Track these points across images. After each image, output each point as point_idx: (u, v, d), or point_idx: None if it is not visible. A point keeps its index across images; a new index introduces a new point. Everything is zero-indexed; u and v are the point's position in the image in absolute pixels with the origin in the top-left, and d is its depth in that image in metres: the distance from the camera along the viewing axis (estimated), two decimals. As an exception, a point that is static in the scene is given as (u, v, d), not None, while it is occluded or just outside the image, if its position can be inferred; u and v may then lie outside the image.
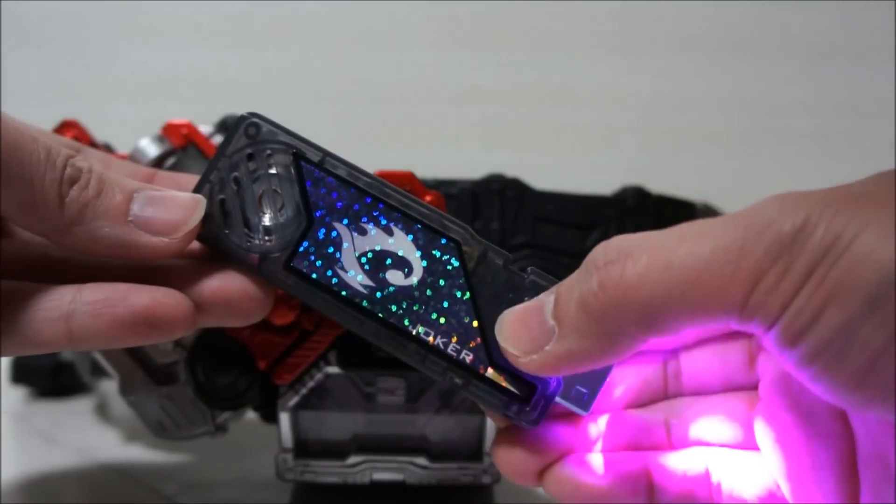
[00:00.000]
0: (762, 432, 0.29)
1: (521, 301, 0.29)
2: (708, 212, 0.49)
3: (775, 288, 0.23)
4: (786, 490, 0.28)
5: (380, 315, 0.29)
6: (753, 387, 0.31)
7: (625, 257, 0.25)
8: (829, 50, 0.81)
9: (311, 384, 0.38)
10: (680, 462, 0.29)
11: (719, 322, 0.25)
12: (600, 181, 0.48)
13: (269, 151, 0.30)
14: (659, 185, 0.47)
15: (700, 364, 0.31)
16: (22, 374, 0.61)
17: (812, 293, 0.23)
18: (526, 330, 0.27)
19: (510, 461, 0.29)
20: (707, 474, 0.29)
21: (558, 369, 0.27)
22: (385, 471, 0.39)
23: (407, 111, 0.81)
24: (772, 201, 0.24)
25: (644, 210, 0.44)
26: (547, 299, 0.27)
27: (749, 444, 0.30)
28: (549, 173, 0.50)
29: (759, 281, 0.23)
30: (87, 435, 0.54)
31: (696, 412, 0.31)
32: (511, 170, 0.44)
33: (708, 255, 0.24)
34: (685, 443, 0.30)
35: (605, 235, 0.43)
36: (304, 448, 0.39)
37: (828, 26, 0.81)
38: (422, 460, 0.39)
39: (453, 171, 0.43)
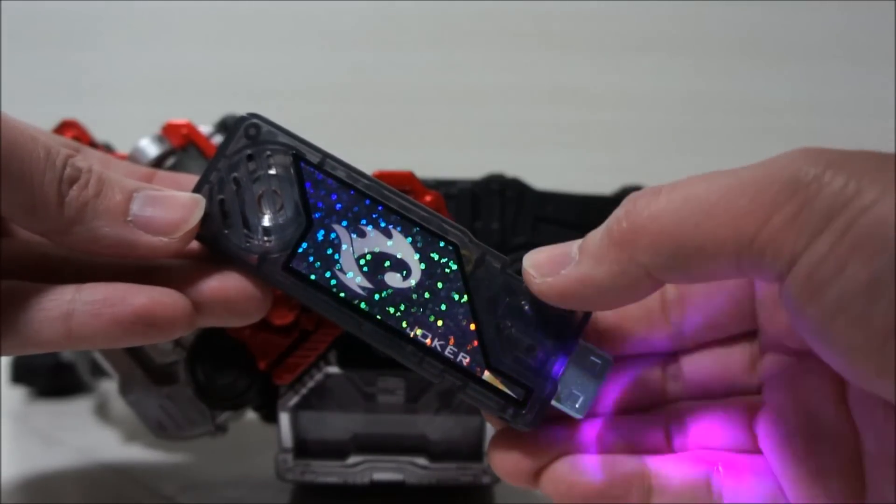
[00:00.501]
0: (765, 435, 0.29)
1: (519, 304, 0.29)
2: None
3: (790, 225, 0.23)
4: (790, 492, 0.28)
5: (378, 317, 0.29)
6: (755, 390, 0.30)
7: (654, 193, 0.26)
8: (829, 50, 0.81)
9: (311, 384, 0.38)
10: (679, 465, 0.29)
11: (730, 262, 0.24)
12: (600, 181, 0.48)
13: (268, 152, 0.30)
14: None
15: (701, 367, 0.31)
16: (22, 374, 0.61)
17: (833, 243, 0.22)
18: (550, 258, 0.28)
19: (506, 463, 0.29)
20: (707, 478, 0.29)
21: (568, 295, 0.27)
22: (385, 471, 0.39)
23: (407, 111, 0.81)
24: (794, 152, 0.24)
25: (644, 210, 0.44)
26: (579, 241, 0.28)
27: (750, 447, 0.30)
28: (549, 173, 0.50)
29: (773, 214, 0.23)
30: (87, 435, 0.54)
31: (697, 416, 0.30)
32: (511, 170, 0.44)
33: (724, 189, 0.24)
34: (686, 446, 0.30)
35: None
36: (304, 448, 0.39)
37: (828, 26, 0.81)
38: (422, 460, 0.39)
39: (453, 171, 0.43)
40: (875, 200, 0.22)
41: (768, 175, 0.24)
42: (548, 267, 0.28)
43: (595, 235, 0.27)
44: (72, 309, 0.27)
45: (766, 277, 0.24)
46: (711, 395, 0.31)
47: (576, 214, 0.43)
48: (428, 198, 0.37)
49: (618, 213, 0.26)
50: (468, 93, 0.81)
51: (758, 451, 0.29)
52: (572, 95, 0.82)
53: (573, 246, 0.28)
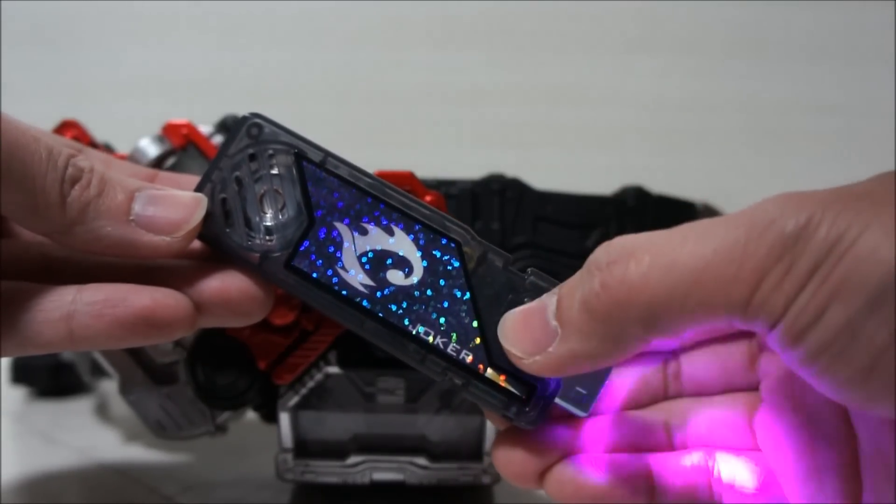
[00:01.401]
0: (764, 433, 0.29)
1: (521, 302, 0.29)
2: (708, 212, 0.49)
3: (778, 286, 0.23)
4: (788, 491, 0.28)
5: (380, 314, 0.29)
6: (754, 388, 0.31)
7: (627, 257, 0.25)
8: (829, 50, 0.81)
9: (311, 384, 0.38)
10: (681, 463, 0.29)
11: (723, 322, 0.25)
12: (600, 181, 0.48)
13: (270, 152, 0.30)
14: (659, 185, 0.47)
15: (700, 365, 0.31)
16: (22, 374, 0.61)
17: (815, 291, 0.23)
18: (528, 331, 0.27)
19: (510, 462, 0.29)
20: (708, 476, 0.29)
21: (561, 370, 0.27)
22: (385, 471, 0.39)
23: (407, 111, 0.81)
24: (773, 201, 0.24)
25: (644, 210, 0.44)
26: (549, 300, 0.27)
27: (750, 445, 0.30)
28: (549, 173, 0.50)
29: (763, 280, 0.23)
30: (87, 435, 0.54)
31: (697, 413, 0.31)
32: (511, 170, 0.44)
33: (710, 255, 0.24)
34: (686, 444, 0.30)
35: (605, 235, 0.43)
36: (304, 448, 0.39)
37: (828, 26, 0.81)
38: (422, 460, 0.39)
39: (453, 171, 0.43)
40: (853, 242, 0.23)
41: (753, 236, 0.24)
42: (530, 344, 0.27)
43: (571, 305, 0.26)
44: (73, 310, 0.27)
45: (757, 329, 0.25)
46: (711, 393, 0.31)
47: (576, 214, 0.43)
48: (428, 198, 0.37)
49: (591, 281, 0.26)
50: (468, 93, 0.81)
51: (757, 449, 0.29)
52: (572, 95, 0.82)
53: (548, 314, 0.27)
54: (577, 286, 0.26)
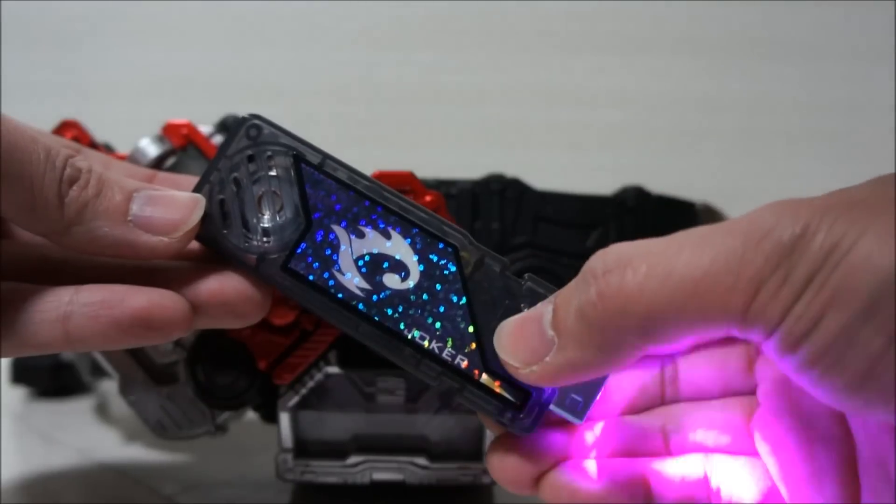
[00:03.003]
0: (761, 437, 0.29)
1: (518, 307, 0.29)
2: (708, 212, 0.49)
3: (776, 296, 0.23)
4: (786, 494, 0.28)
5: (375, 318, 0.29)
6: (752, 392, 0.30)
7: (623, 266, 0.25)
8: (829, 50, 0.81)
9: (311, 384, 0.38)
10: (678, 468, 0.29)
11: (720, 330, 0.24)
12: (600, 181, 0.48)
13: (269, 153, 0.30)
14: (659, 185, 0.47)
15: (698, 370, 0.31)
16: (22, 374, 0.61)
17: (812, 299, 0.23)
18: (524, 341, 0.27)
19: (504, 468, 0.29)
20: (706, 480, 0.29)
21: (558, 380, 0.27)
22: (385, 471, 0.39)
23: (407, 111, 0.81)
24: (770, 209, 0.24)
25: (644, 210, 0.44)
26: (545, 309, 0.27)
27: (748, 449, 0.30)
28: (549, 173, 0.50)
29: (760, 289, 0.23)
30: (87, 435, 0.54)
31: (694, 418, 0.30)
32: (511, 170, 0.44)
33: (707, 265, 0.24)
34: (683, 449, 0.30)
35: (605, 235, 0.43)
36: (304, 448, 0.39)
37: (828, 26, 0.81)
38: (422, 460, 0.39)
39: (453, 171, 0.43)
40: (849, 249, 0.23)
41: (750, 244, 0.24)
42: (527, 354, 0.27)
43: (567, 314, 0.26)
44: (70, 311, 0.27)
45: (752, 339, 0.25)
46: (708, 397, 0.31)
47: (576, 214, 0.43)
48: (428, 198, 0.37)
49: (587, 290, 0.25)
50: (468, 93, 0.81)
51: (755, 453, 0.29)
52: (572, 95, 0.82)
53: (544, 323, 0.27)
54: (573, 295, 0.26)
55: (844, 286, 0.22)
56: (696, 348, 0.31)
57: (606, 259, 0.25)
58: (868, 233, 0.22)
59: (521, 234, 0.43)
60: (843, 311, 0.23)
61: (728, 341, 0.31)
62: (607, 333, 0.25)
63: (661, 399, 0.31)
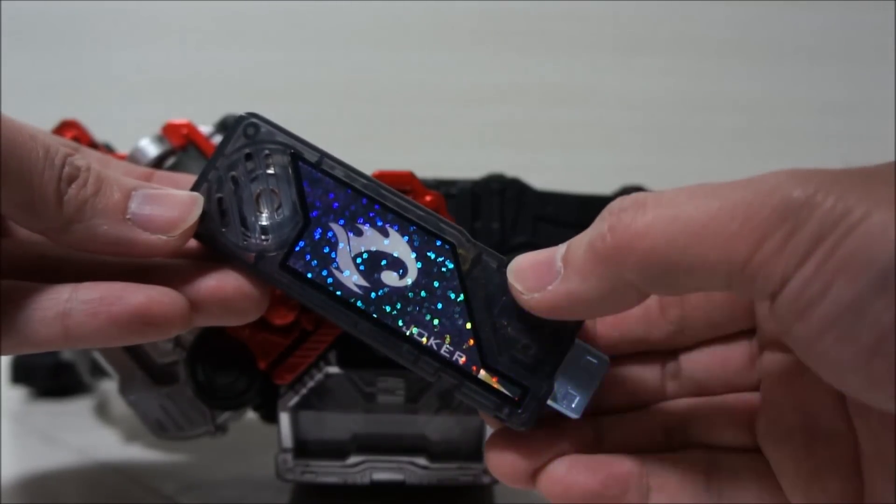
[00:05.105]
0: (764, 433, 0.29)
1: (515, 303, 0.29)
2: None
3: (780, 249, 0.23)
4: (788, 491, 0.28)
5: (374, 315, 0.29)
6: (754, 388, 0.30)
7: (638, 206, 0.25)
8: (829, 50, 0.81)
9: (311, 384, 0.38)
10: (678, 464, 0.29)
11: (719, 281, 0.24)
12: (600, 181, 0.48)
13: (267, 151, 0.30)
14: (659, 185, 0.47)
15: (700, 365, 0.31)
16: (22, 374, 0.61)
17: (820, 264, 0.23)
18: (534, 269, 0.28)
19: (502, 463, 0.29)
20: (706, 476, 0.29)
21: (555, 310, 0.27)
22: (385, 471, 0.39)
23: (407, 111, 0.81)
24: (783, 171, 0.24)
25: (644, 210, 0.44)
26: (561, 246, 0.28)
27: (750, 445, 0.30)
28: (549, 173, 0.50)
29: (764, 240, 0.23)
30: (87, 435, 0.54)
31: (696, 413, 0.30)
32: (511, 170, 0.44)
33: (714, 211, 0.24)
34: (684, 444, 0.30)
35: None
36: (304, 448, 0.39)
37: (828, 26, 0.81)
38: (422, 460, 0.39)
39: (453, 171, 0.43)
40: (862, 218, 0.22)
41: (758, 197, 0.24)
42: (533, 281, 0.28)
43: (579, 247, 0.27)
44: (69, 308, 0.27)
45: (756, 297, 0.25)
46: (710, 393, 0.31)
47: (576, 214, 0.43)
48: (428, 198, 0.37)
49: (601, 225, 0.26)
50: (468, 93, 0.81)
51: (757, 449, 0.29)
52: (572, 95, 0.82)
53: (556, 256, 0.27)
54: (588, 232, 0.27)
55: (857, 255, 0.22)
56: (698, 344, 0.31)
57: (625, 200, 0.26)
58: (882, 205, 0.22)
59: (521, 234, 0.43)
60: (854, 282, 0.22)
61: (731, 337, 0.31)
62: (609, 267, 0.26)
63: (663, 394, 0.31)
